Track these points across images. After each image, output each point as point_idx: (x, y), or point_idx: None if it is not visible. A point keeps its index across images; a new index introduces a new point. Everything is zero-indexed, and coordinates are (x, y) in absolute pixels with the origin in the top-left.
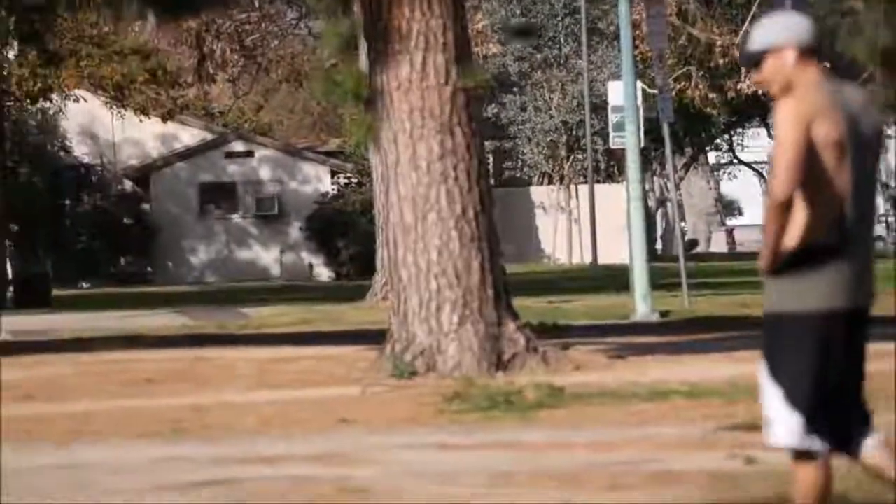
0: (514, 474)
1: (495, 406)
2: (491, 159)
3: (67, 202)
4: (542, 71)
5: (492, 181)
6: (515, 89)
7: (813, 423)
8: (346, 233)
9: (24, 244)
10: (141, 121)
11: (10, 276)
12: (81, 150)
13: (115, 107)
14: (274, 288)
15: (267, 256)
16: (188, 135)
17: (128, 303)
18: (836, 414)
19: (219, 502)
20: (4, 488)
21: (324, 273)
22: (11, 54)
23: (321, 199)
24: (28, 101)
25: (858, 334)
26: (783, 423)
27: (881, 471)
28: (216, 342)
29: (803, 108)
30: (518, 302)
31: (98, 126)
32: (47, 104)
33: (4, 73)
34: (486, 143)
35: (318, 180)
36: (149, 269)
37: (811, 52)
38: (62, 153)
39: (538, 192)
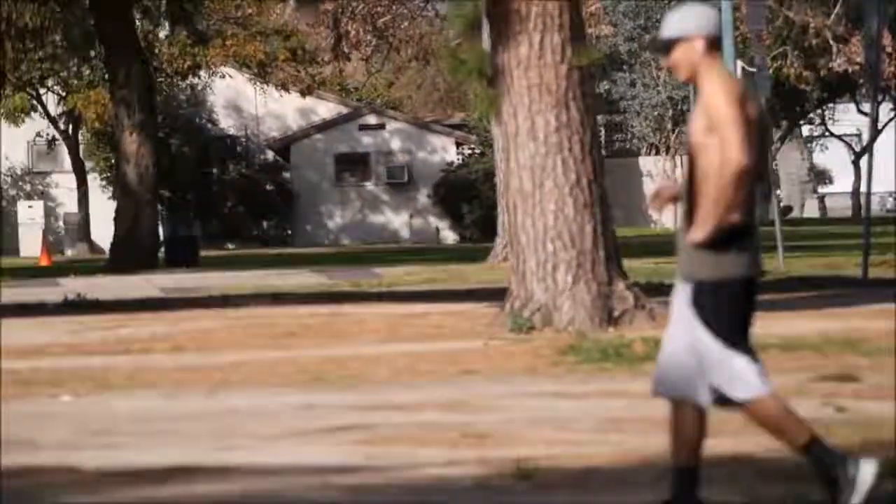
0: (623, 420)
1: (606, 358)
2: (602, 132)
3: (214, 170)
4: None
5: (603, 152)
6: (625, 67)
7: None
8: (469, 199)
9: (175, 209)
10: (281, 96)
11: (162, 237)
12: (227, 123)
13: (258, 83)
14: (403, 249)
15: (397, 220)
16: (325, 109)
17: (269, 263)
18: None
19: (353, 445)
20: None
21: (449, 236)
22: (163, 34)
23: (447, 167)
24: (178, 77)
25: (754, 297)
26: (752, 375)
27: None
28: (351, 299)
29: (735, 89)
30: (627, 263)
31: (242, 100)
32: (196, 80)
33: (157, 51)
34: (598, 117)
35: (444, 151)
36: (288, 231)
37: (716, 41)
38: (209, 125)
39: (646, 162)
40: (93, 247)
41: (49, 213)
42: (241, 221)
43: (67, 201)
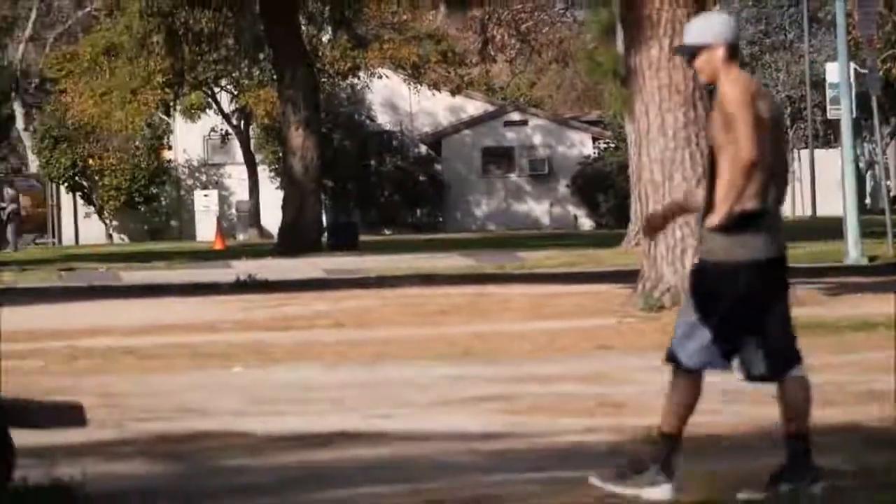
0: (743, 392)
1: None
2: None
3: (372, 163)
4: (770, 53)
5: None
6: (747, 69)
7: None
8: (605, 189)
9: (336, 198)
10: (433, 94)
11: (325, 224)
12: (384, 119)
13: (412, 83)
14: (544, 235)
15: (538, 209)
16: (473, 106)
17: (422, 247)
18: None
19: (497, 414)
20: (315, 402)
21: (586, 223)
22: (326, 38)
23: (584, 160)
24: (339, 77)
25: (783, 277)
26: (704, 353)
27: None
28: (496, 280)
29: (747, 88)
30: None
31: (398, 99)
32: (355, 80)
33: (320, 54)
34: None
35: (582, 145)
36: (440, 218)
37: (736, 48)
38: (368, 122)
39: None
40: (262, 232)
41: (223, 201)
42: (397, 209)
43: (239, 190)
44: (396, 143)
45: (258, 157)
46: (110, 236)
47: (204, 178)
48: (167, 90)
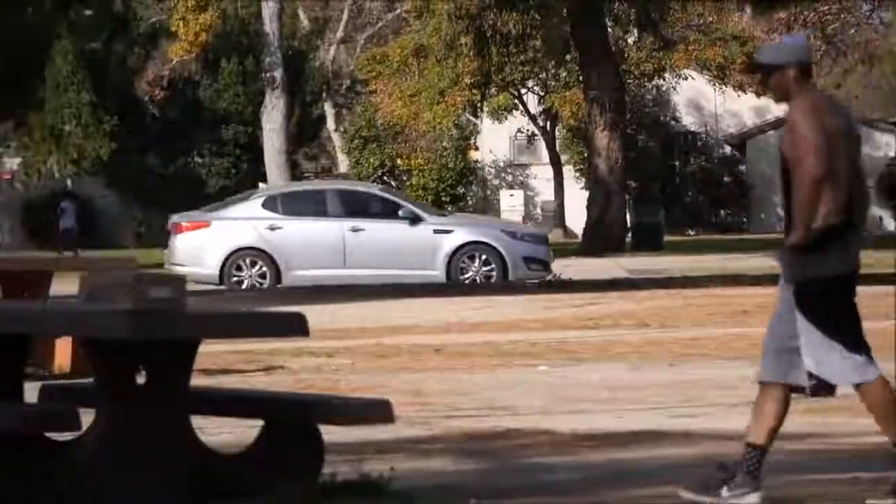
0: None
1: None
2: None
3: (677, 163)
4: None
5: None
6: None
7: (868, 358)
8: None
9: (640, 198)
10: (739, 96)
11: (629, 224)
12: (688, 120)
13: (717, 84)
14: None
15: None
16: (778, 108)
17: (726, 247)
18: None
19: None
20: (620, 401)
21: (891, 224)
22: (631, 40)
23: (891, 162)
24: (645, 79)
25: (853, 290)
26: (850, 367)
27: None
28: None
29: (815, 106)
30: None
31: (703, 100)
32: (661, 82)
33: (626, 56)
34: None
35: (888, 146)
36: (744, 219)
37: (808, 68)
38: (672, 123)
39: None
40: (567, 232)
41: (528, 201)
42: (701, 210)
43: (544, 190)
44: (701, 143)
45: (563, 158)
46: None
47: (510, 178)
48: (475, 91)
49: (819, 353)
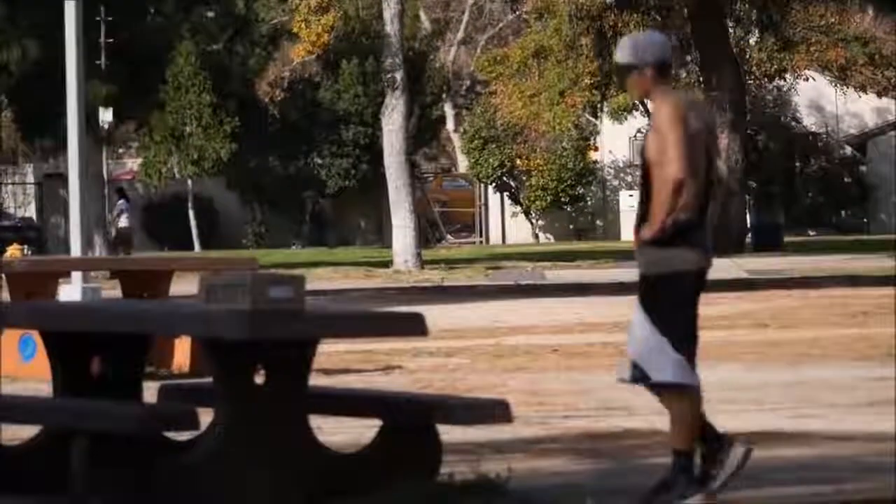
0: None
1: None
2: None
3: (797, 164)
4: None
5: None
6: None
7: (689, 363)
8: None
9: (761, 198)
10: (860, 97)
11: (749, 224)
12: (809, 121)
13: (838, 85)
14: None
15: None
16: None
17: (847, 248)
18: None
19: None
20: (738, 402)
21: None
22: (752, 40)
23: None
24: (765, 79)
25: (701, 288)
26: (671, 365)
27: None
28: None
29: (679, 107)
30: None
31: (823, 101)
32: (781, 82)
33: (747, 56)
34: None
35: None
36: (864, 220)
37: (667, 67)
38: (793, 123)
39: None
40: None
41: None
42: (821, 210)
43: None
44: (821, 144)
45: None
46: (536, 236)
47: (629, 178)
48: (594, 92)
49: (645, 346)
